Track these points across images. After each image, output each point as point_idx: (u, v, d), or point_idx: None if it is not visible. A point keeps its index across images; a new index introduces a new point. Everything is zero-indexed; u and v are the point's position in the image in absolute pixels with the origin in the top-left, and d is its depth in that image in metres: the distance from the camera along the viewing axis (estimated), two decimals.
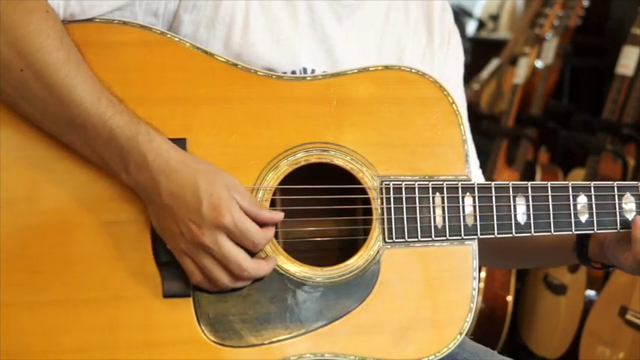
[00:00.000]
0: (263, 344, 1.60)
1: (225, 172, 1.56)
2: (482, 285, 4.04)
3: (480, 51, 5.86)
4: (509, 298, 4.08)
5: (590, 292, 3.67)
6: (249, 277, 1.56)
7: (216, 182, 1.53)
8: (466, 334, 1.71)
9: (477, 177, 1.88)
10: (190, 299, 1.58)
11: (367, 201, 1.66)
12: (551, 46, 4.46)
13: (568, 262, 1.90)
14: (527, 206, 1.69)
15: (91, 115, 1.52)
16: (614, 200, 1.73)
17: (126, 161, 1.53)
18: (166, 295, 1.58)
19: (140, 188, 1.55)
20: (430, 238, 1.66)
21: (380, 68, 1.69)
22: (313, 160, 1.64)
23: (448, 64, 1.89)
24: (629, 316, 3.26)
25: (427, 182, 1.66)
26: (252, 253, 1.57)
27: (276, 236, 1.63)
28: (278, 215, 1.58)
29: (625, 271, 1.77)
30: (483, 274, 4.02)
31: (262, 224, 1.56)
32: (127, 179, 1.55)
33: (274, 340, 1.60)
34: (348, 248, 1.69)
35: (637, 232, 1.71)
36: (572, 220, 1.70)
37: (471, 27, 6.70)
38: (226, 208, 1.52)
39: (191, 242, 1.53)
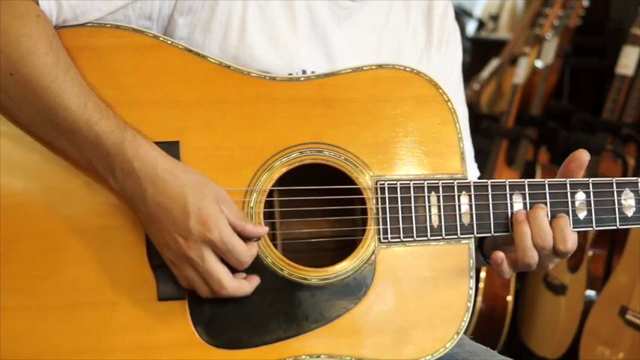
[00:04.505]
0: (259, 345, 1.60)
1: (213, 184, 1.55)
2: (482, 285, 4.02)
3: (479, 51, 5.86)
4: (509, 298, 4.07)
5: (590, 292, 3.66)
6: (228, 294, 1.55)
7: (205, 195, 1.52)
8: (466, 334, 1.71)
9: (474, 176, 1.88)
10: (185, 302, 1.58)
11: (363, 201, 1.65)
12: (551, 46, 4.46)
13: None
14: (525, 204, 1.68)
15: (78, 120, 1.51)
16: (613, 197, 1.70)
17: (112, 167, 1.52)
18: (161, 298, 1.57)
19: (127, 194, 1.54)
20: (426, 238, 1.65)
21: (374, 67, 1.68)
22: (308, 160, 1.63)
23: (447, 64, 1.89)
24: (629, 316, 3.25)
25: (422, 181, 1.66)
26: (236, 270, 1.56)
27: (273, 237, 1.64)
28: (263, 229, 1.58)
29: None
30: (483, 274, 4.01)
31: (247, 238, 1.55)
32: (114, 184, 1.54)
33: (270, 341, 1.60)
34: (345, 248, 1.68)
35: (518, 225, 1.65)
36: (571, 217, 1.68)
37: (471, 27, 6.70)
38: (214, 223, 1.51)
39: (177, 253, 1.53)
